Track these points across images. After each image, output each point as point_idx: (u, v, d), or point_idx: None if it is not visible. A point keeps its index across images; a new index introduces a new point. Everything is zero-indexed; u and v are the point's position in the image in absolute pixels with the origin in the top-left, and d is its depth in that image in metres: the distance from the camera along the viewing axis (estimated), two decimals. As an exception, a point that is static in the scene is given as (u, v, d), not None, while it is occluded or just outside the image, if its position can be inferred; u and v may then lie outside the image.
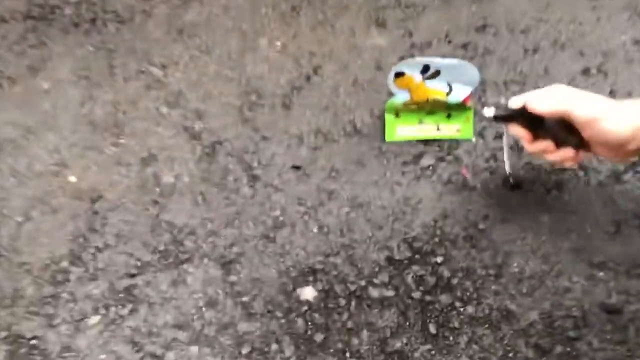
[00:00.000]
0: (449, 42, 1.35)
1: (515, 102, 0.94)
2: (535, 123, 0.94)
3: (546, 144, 0.95)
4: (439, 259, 1.06)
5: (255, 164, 1.19)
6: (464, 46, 1.35)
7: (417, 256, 1.07)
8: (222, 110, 1.28)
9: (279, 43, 1.38)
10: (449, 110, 1.19)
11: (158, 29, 1.43)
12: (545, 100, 0.90)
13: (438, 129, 1.20)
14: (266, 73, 1.33)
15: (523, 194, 1.13)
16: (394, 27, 1.40)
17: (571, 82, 1.27)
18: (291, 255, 1.08)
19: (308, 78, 1.32)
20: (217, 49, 1.38)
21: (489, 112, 0.94)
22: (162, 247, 1.11)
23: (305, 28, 1.41)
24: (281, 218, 1.13)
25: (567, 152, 0.95)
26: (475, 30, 1.38)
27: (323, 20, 1.43)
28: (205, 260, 1.09)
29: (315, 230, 1.11)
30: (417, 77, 1.13)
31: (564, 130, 0.92)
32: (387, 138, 1.21)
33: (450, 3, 1.43)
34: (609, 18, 1.38)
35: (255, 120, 1.26)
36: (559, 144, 0.95)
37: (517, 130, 0.96)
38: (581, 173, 1.15)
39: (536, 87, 1.19)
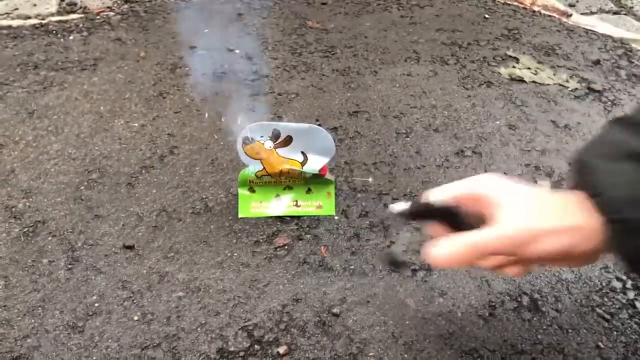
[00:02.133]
0: (319, 125, 1.26)
1: (434, 195, 0.66)
2: (456, 220, 0.65)
3: None
4: (282, 349, 0.86)
5: (79, 244, 1.00)
6: (334, 129, 1.26)
7: (256, 346, 0.87)
8: (55, 188, 1.11)
9: (136, 124, 1.27)
10: (309, 184, 1.06)
11: (7, 110, 1.30)
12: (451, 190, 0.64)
13: (297, 205, 1.06)
14: (115, 152, 1.19)
15: (386, 275, 0.97)
16: (264, 111, 1.31)
17: (444, 162, 1.18)
18: (99, 348, 0.86)
19: (162, 158, 1.19)
20: (66, 129, 1.25)
21: (397, 207, 0.68)
22: None
23: (169, 111, 1.31)
24: (97, 304, 0.92)
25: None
26: (347, 115, 1.30)
27: (190, 104, 1.34)
28: (-13, 357, 0.84)
29: (136, 318, 0.90)
30: (268, 144, 1.01)
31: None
32: (241, 214, 1.05)
33: (324, 91, 1.38)
34: (483, 105, 1.34)
35: (90, 199, 1.09)
36: None
37: (435, 230, 0.68)
38: (453, 251, 1.00)
39: (407, 167, 1.10)
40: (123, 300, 0.93)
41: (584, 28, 1.71)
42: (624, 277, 0.98)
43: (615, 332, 0.90)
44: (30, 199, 1.09)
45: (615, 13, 1.85)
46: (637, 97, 1.41)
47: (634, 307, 0.94)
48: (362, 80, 1.41)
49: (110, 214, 1.07)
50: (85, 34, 1.61)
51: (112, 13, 1.72)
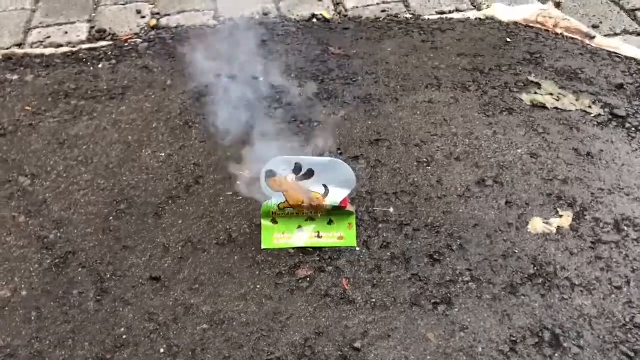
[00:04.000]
0: (340, 154, 1.28)
1: None
2: None
3: None
4: (304, 384, 0.87)
5: (108, 276, 1.04)
6: (356, 158, 1.28)
7: (279, 381, 0.88)
8: (85, 219, 1.15)
9: (163, 154, 1.30)
10: (330, 215, 1.08)
11: (39, 141, 1.35)
12: None
13: (319, 236, 1.08)
14: (143, 183, 1.23)
15: (408, 308, 0.98)
16: (287, 140, 1.34)
17: (465, 192, 1.18)
18: (127, 381, 0.89)
19: (188, 188, 1.22)
20: (95, 159, 1.29)
21: None
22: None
23: (195, 141, 1.35)
24: (125, 336, 0.95)
25: None
26: (368, 144, 1.32)
27: (214, 134, 1.37)
28: (20, 388, 0.88)
29: (162, 350, 0.93)
30: (290, 177, 1.04)
31: None
32: (264, 245, 1.08)
33: (345, 119, 1.40)
34: (505, 133, 1.34)
35: (119, 230, 1.12)
36: None
37: None
38: (473, 285, 1.01)
39: (428, 197, 1.11)
40: (150, 333, 0.96)
41: (607, 50, 1.70)
42: (648, 313, 0.98)
43: (638, 370, 0.89)
44: (61, 230, 1.13)
45: (639, 34, 1.83)
46: (662, 123, 1.40)
47: (658, 344, 0.93)
48: (383, 107, 1.43)
49: (138, 244, 1.10)
50: (113, 61, 1.65)
51: (139, 40, 1.77)
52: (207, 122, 1.39)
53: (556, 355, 0.91)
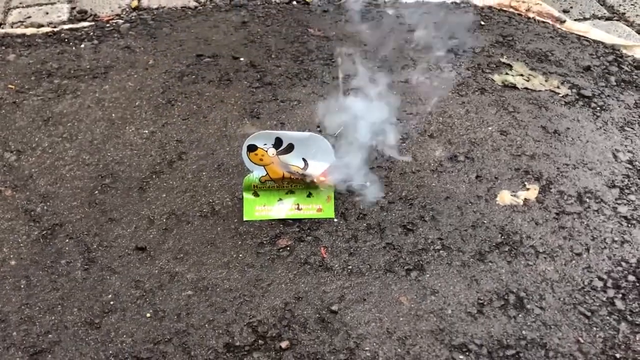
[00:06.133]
0: (320, 131, 1.33)
1: None
2: None
3: None
4: (284, 344, 0.93)
5: (94, 246, 1.08)
6: (334, 135, 1.32)
7: (260, 341, 0.94)
8: (71, 193, 1.18)
9: (146, 131, 1.34)
10: (309, 189, 1.13)
11: (24, 118, 1.37)
12: None
13: (299, 208, 1.13)
14: (127, 158, 1.27)
15: (382, 275, 1.04)
16: (268, 118, 1.38)
17: (438, 167, 1.24)
18: (115, 343, 0.93)
19: (171, 163, 1.26)
20: (80, 136, 1.32)
21: None
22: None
23: (177, 118, 1.38)
24: (112, 302, 0.99)
25: None
26: (347, 122, 1.37)
27: (197, 111, 1.41)
28: (12, 350, 0.92)
29: (148, 315, 0.97)
30: (271, 151, 1.08)
31: None
32: (246, 217, 1.12)
33: (325, 97, 1.44)
34: (477, 112, 1.40)
35: (104, 203, 1.16)
36: None
37: None
38: (444, 253, 1.07)
39: (402, 172, 1.16)
40: (136, 299, 1.00)
41: (576, 34, 1.77)
42: (605, 277, 1.05)
43: (594, 328, 0.97)
44: (48, 203, 1.17)
45: (607, 19, 1.90)
46: (625, 103, 1.47)
47: (613, 304, 1.01)
48: (361, 87, 1.48)
49: (123, 217, 1.14)
50: (95, 42, 1.67)
51: (121, 21, 1.79)
52: (189, 101, 1.43)
53: (520, 315, 0.98)
